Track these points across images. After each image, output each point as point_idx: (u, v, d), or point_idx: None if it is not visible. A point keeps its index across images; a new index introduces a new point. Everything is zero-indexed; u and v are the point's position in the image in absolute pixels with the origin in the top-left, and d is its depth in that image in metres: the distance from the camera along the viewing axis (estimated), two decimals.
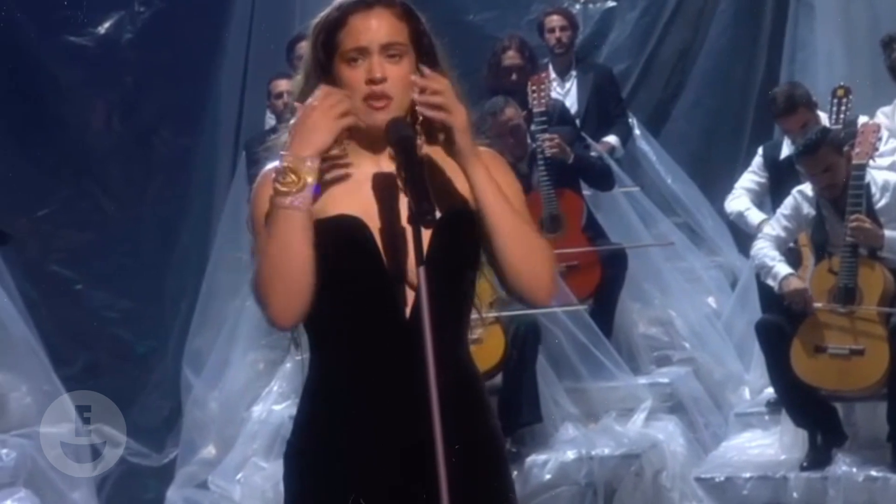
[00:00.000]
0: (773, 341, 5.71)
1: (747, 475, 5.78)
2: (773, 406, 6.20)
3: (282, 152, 2.42)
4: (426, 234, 2.41)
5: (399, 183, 2.44)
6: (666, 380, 6.52)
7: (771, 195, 6.47)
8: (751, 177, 6.60)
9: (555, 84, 7.31)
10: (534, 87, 6.62)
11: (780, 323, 5.70)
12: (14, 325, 6.33)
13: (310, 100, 2.44)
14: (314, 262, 2.40)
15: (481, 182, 2.44)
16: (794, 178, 6.00)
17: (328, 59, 2.50)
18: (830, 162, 5.62)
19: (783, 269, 5.72)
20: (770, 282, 5.75)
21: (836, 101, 6.19)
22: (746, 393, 6.67)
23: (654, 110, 8.14)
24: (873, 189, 5.70)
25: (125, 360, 7.68)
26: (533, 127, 6.57)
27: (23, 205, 7.71)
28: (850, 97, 6.20)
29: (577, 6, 8.25)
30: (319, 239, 2.42)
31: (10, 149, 7.71)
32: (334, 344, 2.47)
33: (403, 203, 2.43)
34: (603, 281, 6.55)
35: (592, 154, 6.82)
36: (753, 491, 5.74)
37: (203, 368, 6.88)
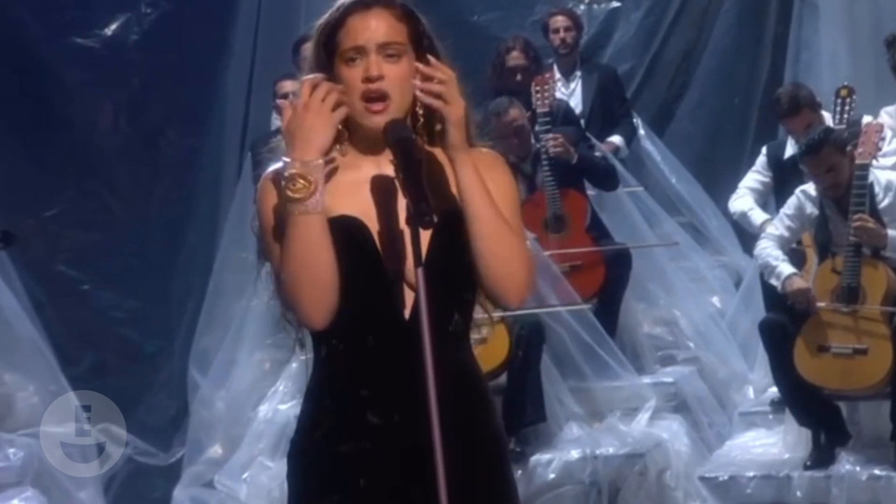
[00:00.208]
0: (776, 341, 5.72)
1: (751, 474, 5.79)
2: (776, 405, 6.21)
3: (284, 159, 2.43)
4: (425, 236, 2.43)
5: (397, 184, 2.45)
6: (670, 379, 6.54)
7: (775, 195, 6.49)
8: (754, 176, 6.62)
9: (559, 84, 7.33)
10: (538, 88, 6.65)
11: (784, 322, 5.71)
12: (21, 325, 6.36)
13: (296, 99, 2.45)
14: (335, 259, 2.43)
15: (467, 179, 2.46)
16: (797, 178, 6.01)
17: (329, 60, 2.52)
18: (833, 162, 5.64)
19: (786, 268, 5.73)
20: (773, 281, 5.77)
21: (839, 100, 6.21)
22: (750, 392, 6.68)
23: (658, 110, 8.16)
24: (876, 189, 5.72)
25: (132, 360, 7.70)
26: (537, 127, 6.59)
27: (30, 205, 7.75)
28: (854, 97, 6.22)
29: (582, 6, 8.27)
30: None
31: (18, 150, 7.74)
32: (336, 344, 2.49)
33: (402, 204, 2.44)
34: (607, 280, 6.57)
35: (596, 154, 6.83)
36: (757, 490, 5.75)
37: (209, 368, 6.90)
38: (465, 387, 2.55)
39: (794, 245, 6.11)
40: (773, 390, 6.19)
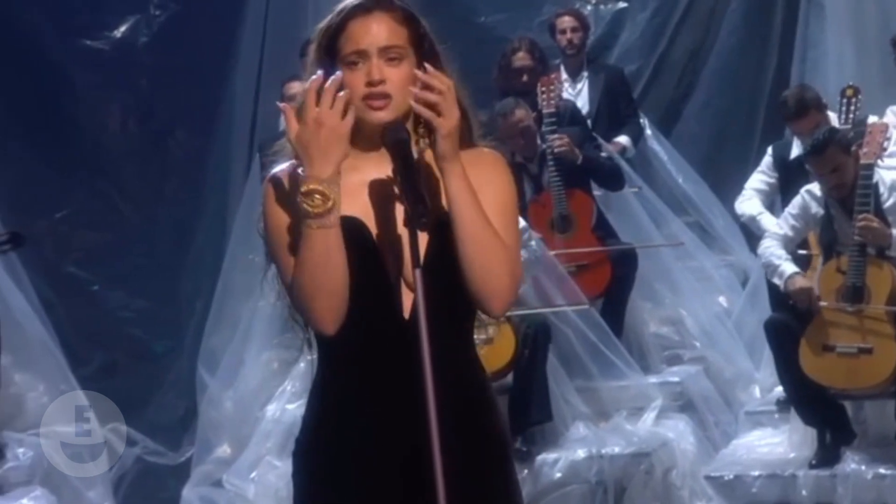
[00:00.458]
0: (781, 340, 5.74)
1: (756, 473, 5.80)
2: (782, 404, 6.21)
3: (300, 171, 2.43)
4: (424, 237, 2.45)
5: (396, 186, 2.47)
6: (676, 379, 6.55)
7: (781, 195, 6.49)
8: (760, 177, 6.63)
9: (566, 85, 7.35)
10: (543, 89, 6.67)
11: (789, 322, 5.73)
12: (31, 326, 6.39)
13: (300, 106, 2.45)
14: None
15: (454, 191, 2.45)
16: (803, 178, 6.02)
17: (331, 64, 2.53)
18: (838, 162, 5.65)
19: (789, 267, 5.75)
20: (776, 280, 5.79)
21: (845, 100, 6.22)
22: (757, 391, 6.70)
23: (665, 110, 8.18)
24: (881, 188, 5.73)
25: (141, 360, 7.74)
26: (543, 128, 6.62)
27: (40, 206, 7.79)
28: (860, 97, 6.22)
29: (589, 7, 8.29)
30: None
31: (28, 151, 7.79)
32: (338, 344, 2.50)
33: (401, 206, 2.45)
34: (613, 280, 6.60)
35: (602, 154, 6.85)
36: (762, 489, 5.76)
37: (218, 368, 6.93)
38: (466, 387, 2.56)
39: (801, 251, 6.13)
40: (779, 390, 6.20)
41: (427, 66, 2.49)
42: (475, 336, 5.39)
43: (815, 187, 5.83)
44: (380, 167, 2.52)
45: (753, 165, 6.89)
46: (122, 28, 7.97)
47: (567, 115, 6.85)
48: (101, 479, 6.29)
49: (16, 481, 5.89)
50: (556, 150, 6.51)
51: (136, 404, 7.35)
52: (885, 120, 6.23)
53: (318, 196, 2.40)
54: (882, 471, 5.63)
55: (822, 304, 5.67)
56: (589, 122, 7.29)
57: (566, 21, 7.52)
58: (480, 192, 2.49)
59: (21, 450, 5.93)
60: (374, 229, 2.51)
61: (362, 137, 2.52)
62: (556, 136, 6.53)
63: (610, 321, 6.42)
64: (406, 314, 2.50)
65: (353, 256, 2.47)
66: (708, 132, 8.08)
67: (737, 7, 8.06)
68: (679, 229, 7.19)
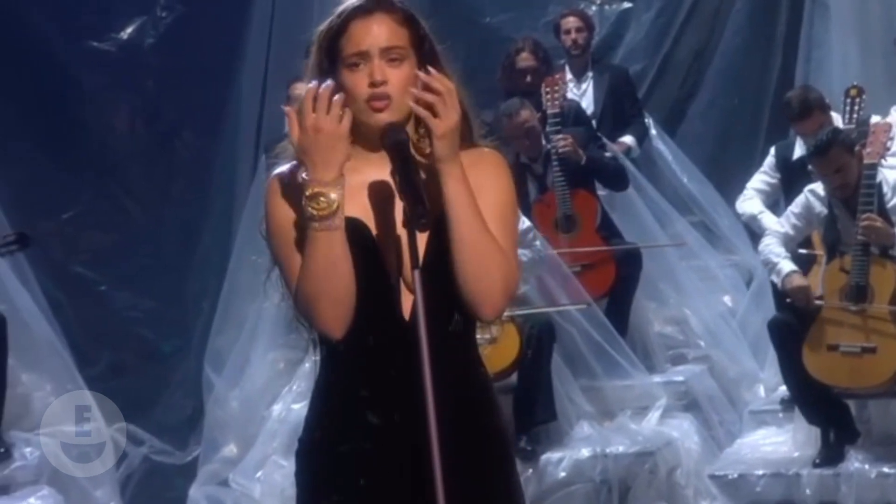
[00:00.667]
0: (785, 339, 5.75)
1: (760, 472, 5.81)
2: (787, 404, 6.22)
3: (303, 176, 2.45)
4: (423, 238, 2.46)
5: (395, 188, 2.48)
6: (681, 378, 6.57)
7: (784, 195, 6.50)
8: (762, 177, 6.64)
9: (571, 85, 7.37)
10: (548, 89, 6.70)
11: (793, 321, 5.74)
12: (38, 326, 6.42)
13: (300, 112, 2.46)
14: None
15: (451, 191, 2.46)
16: (806, 179, 6.04)
17: (332, 66, 2.54)
18: (842, 162, 5.66)
19: (787, 265, 5.77)
20: (774, 278, 5.82)
21: (849, 100, 6.24)
22: (761, 391, 6.71)
23: (669, 110, 8.19)
24: (885, 188, 5.74)
25: (149, 360, 7.77)
26: (547, 128, 6.64)
27: (48, 207, 7.82)
28: (864, 97, 6.23)
29: (593, 7, 8.30)
30: None
31: (35, 152, 7.83)
32: (337, 345, 2.51)
33: (400, 207, 2.46)
34: (618, 280, 6.61)
35: (606, 154, 6.87)
36: (766, 488, 5.77)
37: (224, 368, 6.95)
38: (467, 387, 2.57)
39: (805, 251, 6.14)
40: (784, 389, 6.21)
41: (430, 68, 2.50)
42: (479, 336, 5.41)
43: (818, 187, 5.84)
44: (380, 168, 2.53)
45: (758, 165, 6.90)
46: (129, 30, 8.00)
47: (571, 116, 6.88)
48: (108, 478, 6.32)
49: (23, 481, 5.92)
50: (560, 151, 6.53)
51: (144, 404, 7.38)
52: (889, 119, 6.24)
53: (322, 199, 2.42)
54: (886, 469, 5.64)
55: (819, 302, 5.69)
56: (594, 122, 7.32)
57: (571, 21, 7.53)
58: (479, 193, 2.50)
59: (28, 449, 5.96)
60: (374, 230, 2.52)
61: (362, 139, 2.53)
62: (560, 136, 6.55)
63: (614, 321, 6.44)
64: (406, 315, 2.51)
65: (353, 257, 2.47)
66: (712, 132, 8.09)
67: (741, 7, 8.07)
68: (684, 229, 7.20)
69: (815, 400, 5.74)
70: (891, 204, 5.73)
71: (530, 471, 5.88)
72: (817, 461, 5.74)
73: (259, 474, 6.33)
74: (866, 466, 5.66)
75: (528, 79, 7.12)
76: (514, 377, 5.94)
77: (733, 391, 6.69)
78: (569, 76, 7.42)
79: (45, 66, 7.83)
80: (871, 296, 5.63)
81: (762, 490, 5.78)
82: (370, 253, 2.51)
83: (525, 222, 6.10)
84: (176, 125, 8.11)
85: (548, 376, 5.98)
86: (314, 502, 2.59)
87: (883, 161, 5.73)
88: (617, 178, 6.83)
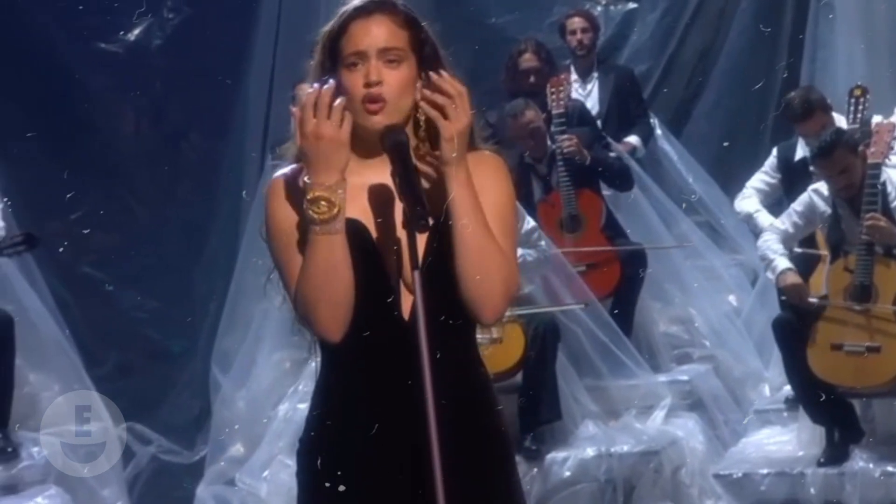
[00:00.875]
0: (789, 339, 5.76)
1: (765, 471, 5.83)
2: (791, 403, 6.23)
3: (305, 180, 2.46)
4: (422, 239, 2.48)
5: (394, 189, 2.49)
6: (686, 377, 6.58)
7: (786, 197, 6.51)
8: (762, 177, 6.66)
9: (576, 86, 7.39)
10: (553, 89, 6.72)
11: (797, 321, 5.75)
12: (45, 326, 6.44)
13: (306, 124, 2.46)
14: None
15: (455, 195, 2.47)
16: (807, 180, 6.06)
17: (333, 67, 2.57)
18: (847, 163, 5.67)
19: (782, 263, 5.79)
20: (769, 275, 5.85)
21: (853, 100, 6.24)
22: (766, 390, 6.72)
23: (675, 110, 8.20)
24: (889, 188, 5.75)
25: (156, 360, 7.80)
26: (552, 128, 6.66)
27: (55, 208, 7.83)
28: (868, 97, 6.24)
29: (599, 8, 8.31)
30: None
31: (43, 153, 7.85)
32: (340, 346, 2.52)
33: (400, 209, 2.48)
34: (622, 279, 6.63)
35: (611, 154, 6.89)
36: (771, 487, 5.79)
37: (231, 368, 6.97)
38: (467, 387, 2.58)
39: (809, 251, 6.15)
40: (789, 388, 6.21)
41: (442, 72, 2.51)
42: (485, 335, 5.42)
43: (822, 186, 5.85)
44: (380, 170, 2.54)
45: (763, 165, 6.91)
46: (136, 31, 8.03)
47: (575, 116, 6.90)
48: (115, 477, 6.34)
49: (30, 480, 5.94)
50: (565, 151, 6.55)
51: (151, 404, 7.41)
52: (893, 119, 6.24)
53: (323, 203, 2.44)
54: (890, 469, 5.65)
55: (813, 300, 5.71)
56: (599, 122, 7.33)
57: (576, 22, 7.54)
58: (480, 195, 2.51)
59: (35, 449, 5.98)
60: (373, 232, 2.54)
61: (362, 141, 2.54)
62: (565, 136, 6.57)
63: (619, 320, 6.46)
64: (406, 316, 2.53)
65: (353, 259, 2.49)
66: (718, 132, 8.09)
67: (747, 7, 8.08)
68: (689, 229, 7.22)
69: (819, 399, 5.74)
70: (895, 203, 5.74)
71: (535, 470, 5.90)
72: (822, 460, 5.75)
73: (265, 474, 6.35)
74: (871, 466, 5.67)
75: (532, 79, 7.13)
76: (518, 377, 5.96)
77: (738, 390, 6.70)
78: (574, 76, 7.43)
79: (52, 67, 7.85)
80: (876, 295, 5.64)
81: (767, 489, 5.80)
82: (370, 255, 2.53)
83: (530, 222, 6.12)
84: (182, 126, 8.13)
85: (553, 376, 5.99)
86: (315, 502, 2.60)
87: (887, 161, 5.73)
88: (621, 178, 6.84)
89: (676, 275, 6.98)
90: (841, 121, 6.33)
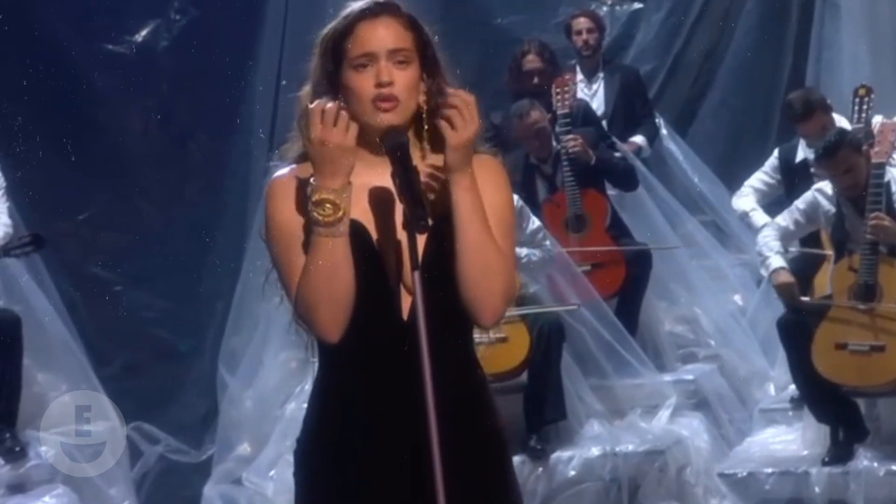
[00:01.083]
0: (794, 338, 5.77)
1: (770, 470, 5.83)
2: (797, 402, 6.23)
3: (311, 182, 2.49)
4: (422, 240, 2.49)
5: (395, 190, 2.51)
6: (691, 377, 6.60)
7: (787, 198, 6.51)
8: (761, 176, 6.68)
9: (582, 86, 7.41)
10: (558, 90, 6.73)
11: (802, 320, 5.76)
12: (53, 326, 6.47)
13: (313, 130, 2.48)
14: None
15: (460, 201, 2.50)
16: (808, 182, 6.09)
17: (336, 68, 2.59)
18: (851, 163, 5.68)
19: (776, 261, 5.82)
20: (762, 272, 5.88)
21: (857, 100, 6.25)
22: (771, 389, 6.73)
23: (680, 110, 8.21)
24: (893, 187, 5.76)
25: (163, 360, 7.82)
26: (557, 128, 6.68)
27: (63, 208, 7.88)
28: (872, 96, 6.25)
29: (604, 8, 8.32)
30: None
31: (51, 154, 7.87)
32: (338, 346, 2.54)
33: (400, 210, 2.50)
34: (628, 279, 6.65)
35: (616, 154, 6.91)
36: (775, 486, 5.80)
37: (238, 368, 7.00)
38: (465, 387, 2.60)
39: (814, 250, 6.17)
40: (794, 387, 6.22)
41: (455, 90, 2.54)
42: (490, 335, 5.44)
43: (825, 186, 5.87)
44: (380, 172, 2.56)
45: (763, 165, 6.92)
46: (143, 32, 8.06)
47: (580, 116, 6.91)
48: (122, 476, 6.37)
49: (38, 479, 5.97)
50: (570, 151, 6.57)
51: (159, 403, 7.43)
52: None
53: (328, 205, 2.46)
54: (894, 468, 5.66)
55: (804, 298, 5.70)
56: (605, 122, 7.35)
57: (582, 22, 7.56)
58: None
59: (43, 448, 6.01)
60: (373, 232, 2.55)
61: (363, 142, 2.56)
62: (570, 136, 6.59)
63: (624, 320, 6.48)
64: (405, 316, 2.54)
65: (353, 260, 2.51)
66: (723, 132, 8.10)
67: (752, 7, 8.08)
68: (695, 228, 7.23)
69: (824, 398, 5.76)
70: None
71: (540, 469, 5.92)
72: (826, 459, 5.76)
73: (272, 473, 6.38)
74: (875, 465, 5.68)
75: (535, 80, 7.16)
76: (524, 376, 5.98)
77: (743, 390, 6.71)
78: (580, 77, 7.45)
79: (60, 68, 7.88)
80: (880, 295, 5.65)
81: (771, 488, 5.81)
82: (370, 255, 2.54)
83: (535, 222, 6.14)
84: (190, 127, 8.16)
85: (558, 375, 6.01)
86: (314, 502, 2.61)
87: (891, 160, 5.74)
88: (626, 178, 6.86)
89: (682, 274, 6.99)
90: (841, 121, 6.34)
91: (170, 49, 8.06)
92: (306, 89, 2.67)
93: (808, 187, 5.98)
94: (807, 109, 6.34)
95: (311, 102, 2.59)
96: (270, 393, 6.75)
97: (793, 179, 6.46)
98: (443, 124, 2.50)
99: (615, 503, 5.96)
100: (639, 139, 7.44)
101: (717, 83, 8.19)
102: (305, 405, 6.76)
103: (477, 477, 2.57)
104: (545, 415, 5.98)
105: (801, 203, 5.93)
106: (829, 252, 6.13)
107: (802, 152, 6.48)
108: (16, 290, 6.34)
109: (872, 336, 5.65)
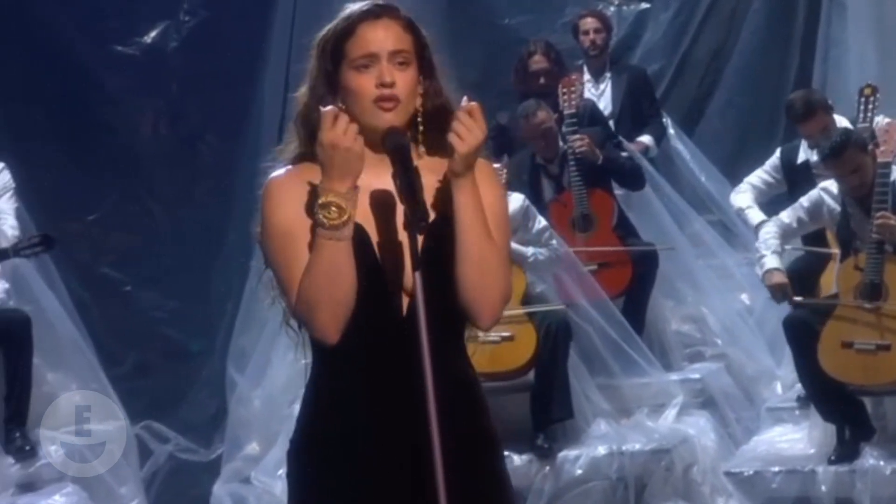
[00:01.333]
0: (800, 337, 5.78)
1: (776, 469, 5.83)
2: (803, 401, 6.23)
3: (317, 183, 2.51)
4: (421, 241, 2.50)
5: (395, 191, 2.54)
6: (697, 376, 6.60)
7: (789, 198, 6.50)
8: (761, 175, 6.68)
9: (589, 86, 7.42)
10: (564, 90, 6.75)
11: (808, 319, 5.77)
12: (63, 326, 6.51)
13: (323, 134, 2.51)
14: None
15: (461, 206, 2.54)
16: (809, 182, 6.09)
17: (335, 68, 2.61)
18: (858, 162, 5.68)
19: (771, 261, 5.83)
20: (757, 270, 5.89)
21: (863, 99, 6.25)
22: (778, 388, 6.73)
23: (687, 110, 8.21)
24: None
25: (173, 360, 7.86)
26: (564, 128, 6.69)
27: (74, 209, 7.93)
28: (878, 96, 6.25)
29: (611, 8, 8.33)
30: None
31: (62, 155, 7.94)
32: (336, 347, 2.55)
33: (400, 210, 2.52)
34: (634, 278, 6.66)
35: (622, 154, 6.92)
36: (782, 485, 5.79)
37: (247, 367, 7.03)
38: (462, 387, 2.62)
39: (820, 249, 6.17)
40: (800, 386, 6.23)
41: (467, 106, 2.55)
42: (497, 334, 5.45)
43: (831, 185, 5.87)
44: (379, 172, 2.58)
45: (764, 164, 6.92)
46: (153, 34, 8.10)
47: (586, 116, 6.93)
48: (132, 475, 6.40)
49: (48, 478, 6.01)
50: (577, 151, 6.59)
51: (169, 403, 7.48)
52: None
53: (334, 208, 2.48)
54: None
55: (797, 298, 5.72)
56: (612, 122, 7.36)
57: (589, 22, 7.56)
58: None
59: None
60: (374, 234, 2.58)
61: (366, 144, 2.56)
62: (576, 136, 6.61)
63: (631, 319, 6.49)
64: (404, 315, 2.56)
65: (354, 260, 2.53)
66: (730, 131, 8.11)
67: (759, 7, 8.08)
68: (702, 228, 7.24)
69: (830, 397, 5.76)
70: None
71: (547, 468, 5.94)
72: (833, 458, 5.76)
73: (280, 472, 6.39)
74: (881, 463, 5.67)
75: (542, 81, 7.16)
76: (530, 375, 5.99)
77: (750, 388, 6.71)
78: (587, 77, 7.46)
79: (70, 69, 7.94)
80: (886, 293, 5.65)
81: (778, 487, 5.81)
82: (370, 256, 2.56)
83: (541, 221, 6.17)
84: (199, 128, 8.20)
85: (564, 374, 6.03)
86: (312, 501, 2.63)
87: None
88: (633, 178, 6.87)
89: (689, 273, 7.00)
90: (842, 122, 6.35)
91: (179, 50, 8.10)
92: (303, 90, 2.70)
93: (809, 188, 5.98)
94: (808, 110, 6.35)
95: (309, 102, 2.63)
96: (279, 392, 6.77)
97: (794, 180, 6.46)
98: (451, 135, 2.53)
99: (622, 502, 5.97)
100: (646, 139, 7.44)
101: (723, 82, 8.19)
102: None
103: (472, 475, 2.59)
104: (552, 413, 6.00)
105: (805, 201, 5.94)
106: (835, 251, 6.13)
107: (804, 153, 6.49)
108: (26, 291, 6.37)
109: (878, 335, 5.64)
